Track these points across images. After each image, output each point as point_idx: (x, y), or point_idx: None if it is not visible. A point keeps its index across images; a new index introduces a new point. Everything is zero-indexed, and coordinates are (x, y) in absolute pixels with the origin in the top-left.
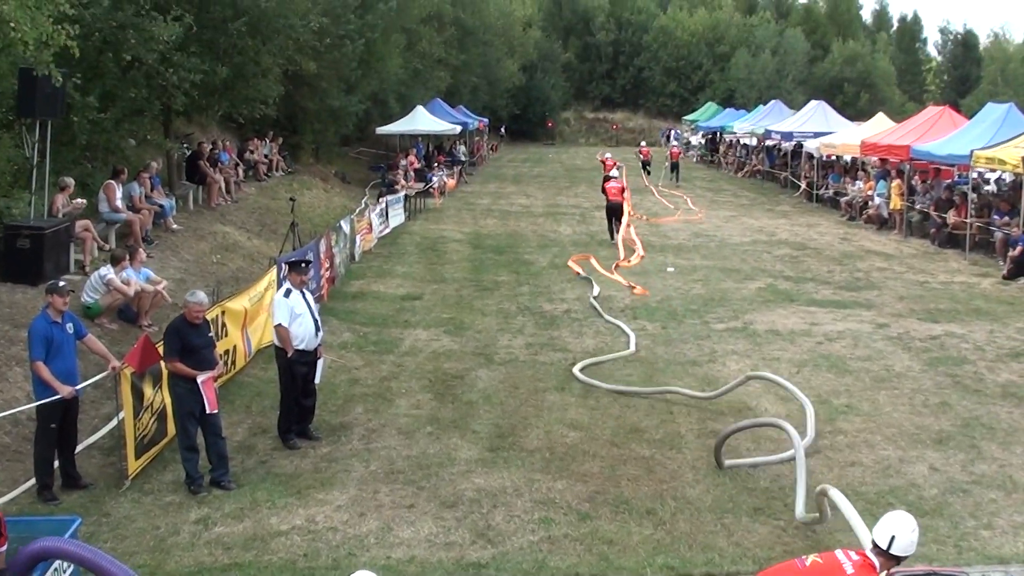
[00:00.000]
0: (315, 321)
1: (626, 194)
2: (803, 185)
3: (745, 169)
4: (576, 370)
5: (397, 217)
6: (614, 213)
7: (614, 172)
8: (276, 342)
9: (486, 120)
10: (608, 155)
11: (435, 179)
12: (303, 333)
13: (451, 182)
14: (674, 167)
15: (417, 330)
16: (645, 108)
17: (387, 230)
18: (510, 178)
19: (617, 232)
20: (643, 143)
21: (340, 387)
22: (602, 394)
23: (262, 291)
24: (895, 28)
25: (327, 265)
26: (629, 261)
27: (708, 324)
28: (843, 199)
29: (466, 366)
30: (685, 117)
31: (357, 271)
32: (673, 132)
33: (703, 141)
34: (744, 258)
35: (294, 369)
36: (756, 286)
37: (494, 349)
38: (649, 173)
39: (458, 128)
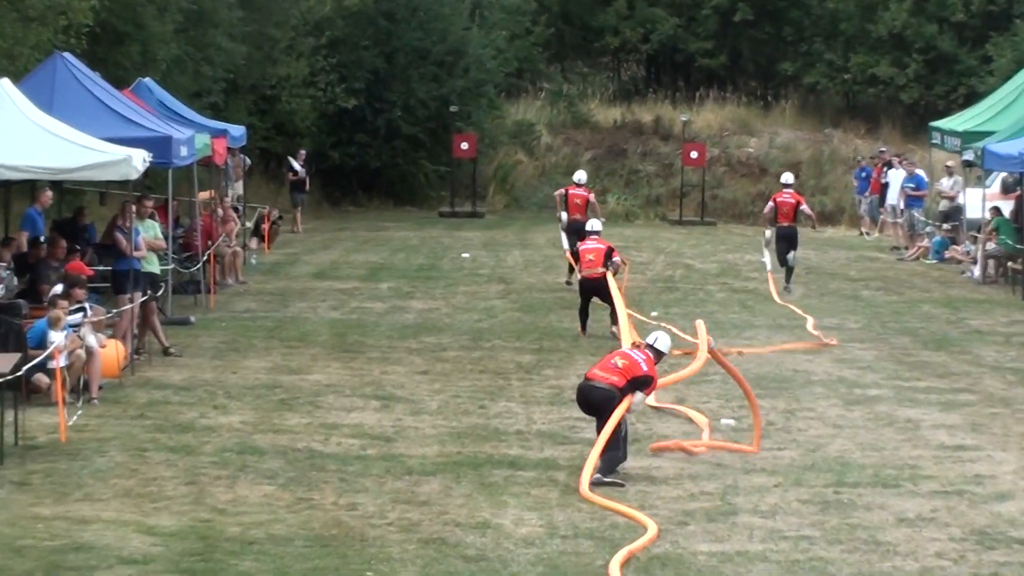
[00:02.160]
0: None
1: (615, 259)
2: None
3: None
4: None
5: None
6: (594, 294)
7: (595, 226)
8: None
9: (238, 135)
10: (581, 178)
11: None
12: None
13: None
14: (788, 242)
15: None
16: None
17: None
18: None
19: (618, 333)
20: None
21: None
22: None
23: None
24: None
25: None
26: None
27: None
28: None
29: None
30: (938, 126)
31: None
32: (893, 163)
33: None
34: None
35: None
36: None
37: None
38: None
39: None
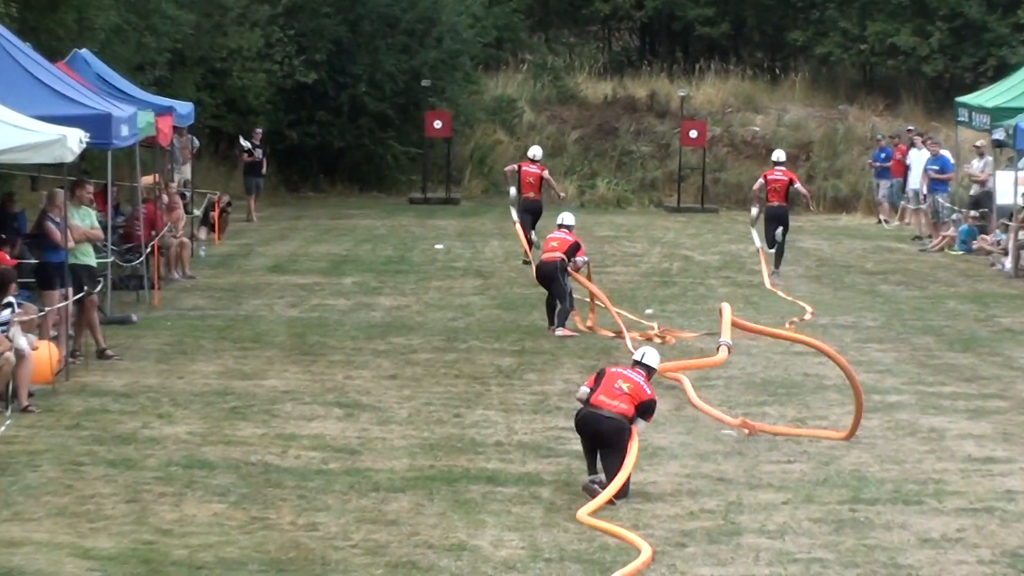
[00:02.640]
0: None
1: (578, 259)
2: None
3: None
4: None
5: None
6: (548, 282)
7: (567, 220)
8: None
9: (185, 113)
10: (536, 154)
11: None
12: None
13: None
14: (778, 223)
15: None
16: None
17: None
18: None
19: (563, 334)
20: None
21: None
22: None
23: None
24: None
25: None
26: None
27: None
28: None
29: None
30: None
31: None
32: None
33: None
34: None
35: None
36: None
37: None
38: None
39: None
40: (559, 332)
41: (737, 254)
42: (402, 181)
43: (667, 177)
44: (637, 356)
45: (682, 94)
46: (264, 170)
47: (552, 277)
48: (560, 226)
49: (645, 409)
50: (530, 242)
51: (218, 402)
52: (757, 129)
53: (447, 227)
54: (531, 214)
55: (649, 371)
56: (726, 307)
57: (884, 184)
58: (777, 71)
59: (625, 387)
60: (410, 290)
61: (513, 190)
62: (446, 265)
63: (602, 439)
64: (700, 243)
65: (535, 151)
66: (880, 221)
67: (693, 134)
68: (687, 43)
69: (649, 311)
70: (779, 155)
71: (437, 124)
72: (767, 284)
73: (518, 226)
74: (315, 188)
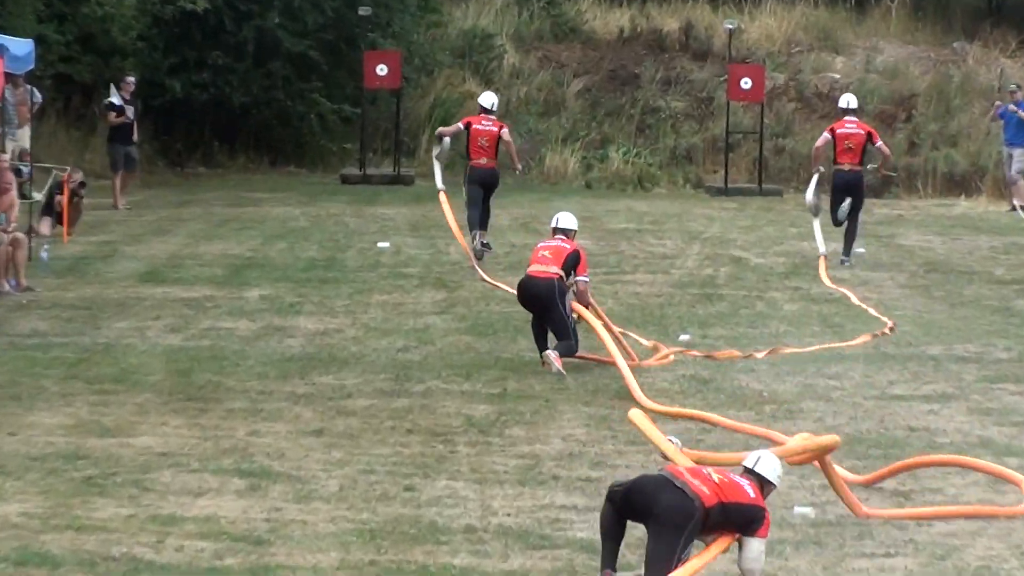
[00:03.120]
0: None
1: (580, 278)
2: None
3: None
4: None
5: None
6: (537, 307)
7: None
8: None
9: (22, 54)
10: (491, 102)
11: None
12: None
13: None
14: (847, 192)
15: None
16: None
17: None
18: None
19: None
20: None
21: None
22: None
23: None
24: None
25: None
26: None
27: None
28: None
29: None
30: None
31: None
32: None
33: None
34: None
35: None
36: None
37: None
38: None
39: None
40: (552, 357)
41: (810, 255)
42: (331, 151)
43: (709, 145)
44: (749, 462)
45: (730, 26)
46: (135, 136)
47: (545, 302)
48: (555, 230)
49: (751, 520)
50: (481, 239)
51: (66, 469)
52: (837, 77)
53: (395, 217)
54: (482, 187)
55: (762, 484)
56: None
57: (1020, 154)
58: None
59: (716, 479)
60: (342, 307)
61: (447, 142)
62: (394, 272)
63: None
64: (757, 239)
65: (489, 98)
66: (1015, 208)
67: (746, 84)
68: None
69: (684, 336)
70: (850, 100)
71: (381, 70)
72: (826, 281)
73: (443, 198)
74: (207, 161)
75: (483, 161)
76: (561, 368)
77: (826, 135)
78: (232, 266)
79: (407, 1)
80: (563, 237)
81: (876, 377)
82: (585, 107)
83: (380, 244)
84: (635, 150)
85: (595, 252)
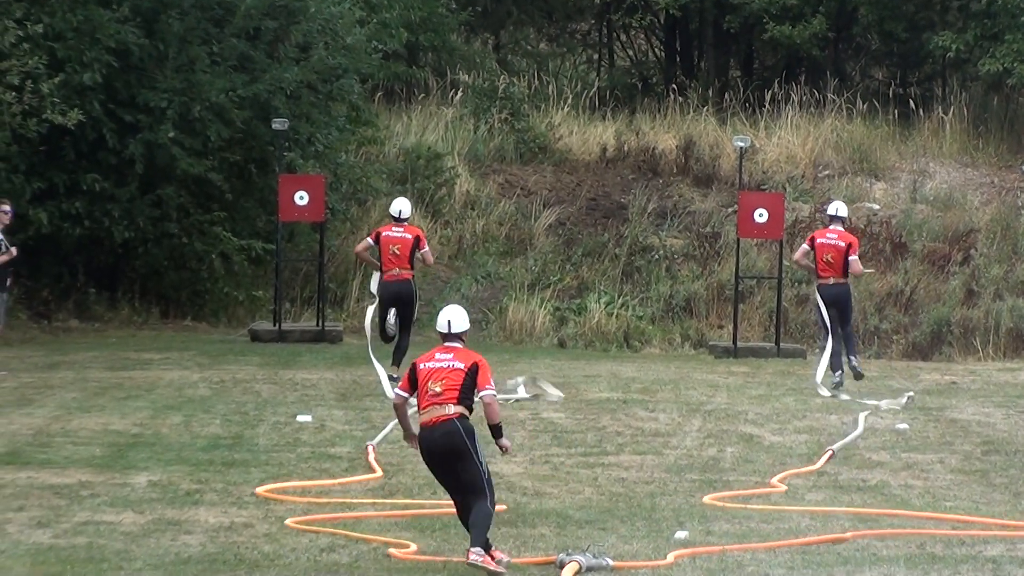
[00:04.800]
0: None
1: (485, 391)
2: None
3: None
4: None
5: None
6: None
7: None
8: None
9: None
10: (402, 210)
11: None
12: None
13: None
14: (834, 307)
15: None
16: None
17: None
18: None
19: None
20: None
21: None
22: None
23: None
24: None
25: None
26: None
27: None
28: None
29: None
30: None
31: None
32: None
33: None
34: None
35: None
36: None
37: None
38: None
39: None
40: (478, 559)
41: (840, 429)
42: (238, 301)
43: (714, 294)
44: None
45: (741, 144)
46: (10, 280)
47: (455, 454)
48: (448, 338)
49: None
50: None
51: None
52: (876, 207)
53: (318, 384)
54: (395, 303)
55: None
56: None
57: None
58: (911, 103)
59: None
60: (252, 497)
61: (377, 277)
62: (317, 452)
63: None
64: (773, 412)
65: (398, 205)
66: None
67: (761, 216)
68: (750, 53)
69: (681, 534)
70: (839, 207)
71: (300, 198)
72: (821, 390)
73: (374, 360)
74: (81, 313)
75: (395, 272)
76: (496, 567)
77: (805, 246)
78: (114, 445)
79: (333, 112)
80: (457, 340)
81: None
82: (558, 245)
83: (300, 417)
84: (621, 300)
85: (570, 428)
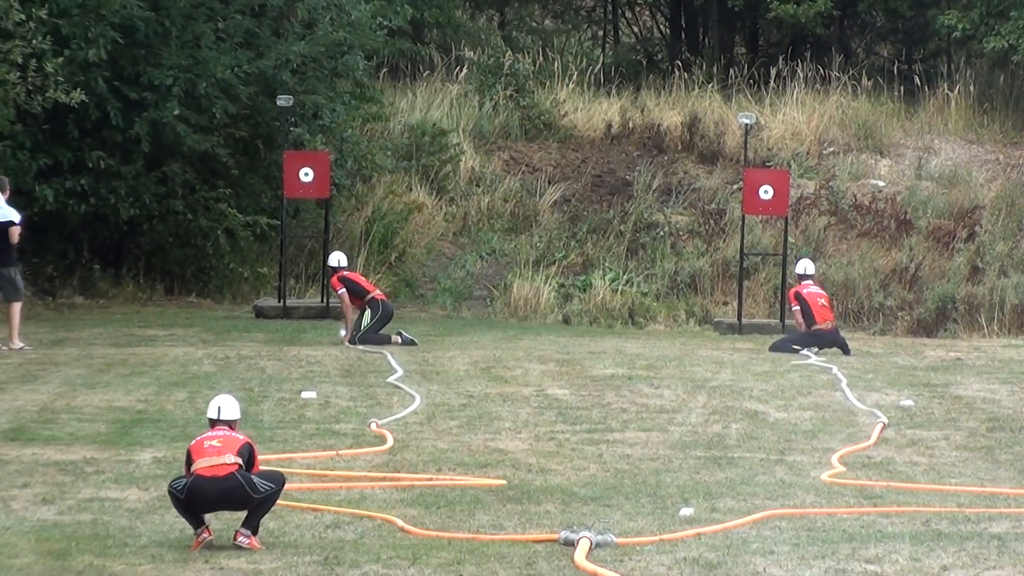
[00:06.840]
0: None
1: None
2: None
3: None
4: None
5: None
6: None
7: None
8: None
9: None
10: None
11: None
12: None
13: None
14: (835, 344)
15: None
16: None
17: None
18: None
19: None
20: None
21: None
22: None
23: None
24: None
25: None
26: None
27: None
28: None
29: None
30: None
31: None
32: None
33: None
34: None
35: None
36: None
37: None
38: None
39: None
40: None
41: (848, 410)
42: (243, 277)
43: (718, 270)
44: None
45: (746, 121)
46: (14, 255)
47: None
48: (215, 423)
49: None
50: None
51: None
52: (881, 184)
53: (323, 360)
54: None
55: None
56: None
57: None
58: (916, 80)
59: None
60: None
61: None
62: (322, 428)
63: None
64: (778, 388)
65: (338, 258)
66: None
67: (766, 193)
68: (755, 30)
69: (686, 511)
70: (807, 266)
71: (305, 175)
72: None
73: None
74: (86, 290)
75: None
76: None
77: (796, 307)
78: (119, 421)
79: (338, 88)
80: (226, 427)
81: (926, 560)
82: (563, 222)
83: (304, 394)
84: (625, 276)
85: (575, 405)
